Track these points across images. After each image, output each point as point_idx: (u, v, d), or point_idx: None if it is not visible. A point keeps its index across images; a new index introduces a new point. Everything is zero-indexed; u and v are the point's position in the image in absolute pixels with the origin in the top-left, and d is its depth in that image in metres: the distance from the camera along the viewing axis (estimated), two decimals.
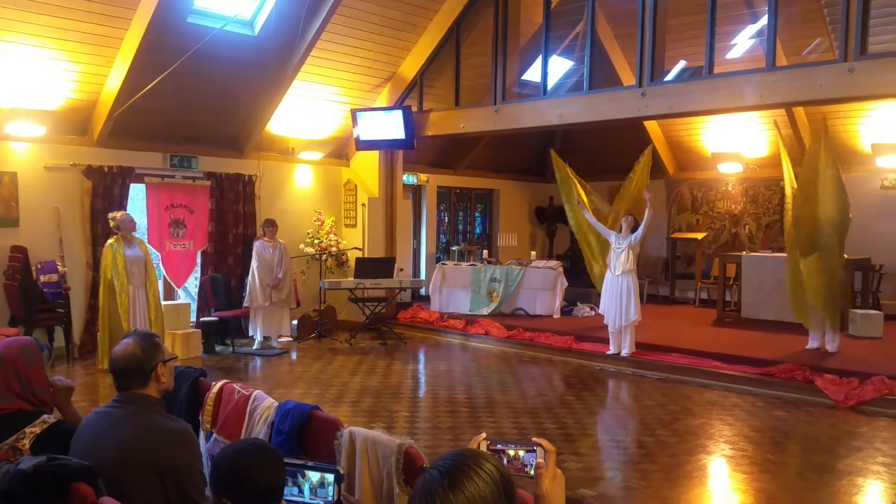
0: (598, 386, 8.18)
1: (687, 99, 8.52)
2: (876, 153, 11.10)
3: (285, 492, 2.30)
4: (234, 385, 3.91)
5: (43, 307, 8.32)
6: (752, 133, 12.42)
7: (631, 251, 8.73)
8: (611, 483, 5.14)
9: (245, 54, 9.30)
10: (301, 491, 2.37)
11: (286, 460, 2.34)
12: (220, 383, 4.03)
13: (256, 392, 3.76)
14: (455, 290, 11.91)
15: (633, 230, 8.79)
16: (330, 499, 2.36)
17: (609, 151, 13.99)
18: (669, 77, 10.62)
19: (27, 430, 2.75)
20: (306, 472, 2.38)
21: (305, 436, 3.33)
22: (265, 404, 3.62)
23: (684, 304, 13.16)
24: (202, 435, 4.10)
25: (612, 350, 9.02)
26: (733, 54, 11.56)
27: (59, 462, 2.30)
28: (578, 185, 10.44)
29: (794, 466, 5.66)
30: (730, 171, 12.88)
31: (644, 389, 7.92)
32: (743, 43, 11.50)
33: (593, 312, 11.20)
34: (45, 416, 2.85)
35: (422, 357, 9.82)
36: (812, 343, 8.61)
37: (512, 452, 1.66)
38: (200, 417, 4.08)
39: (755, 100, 8.04)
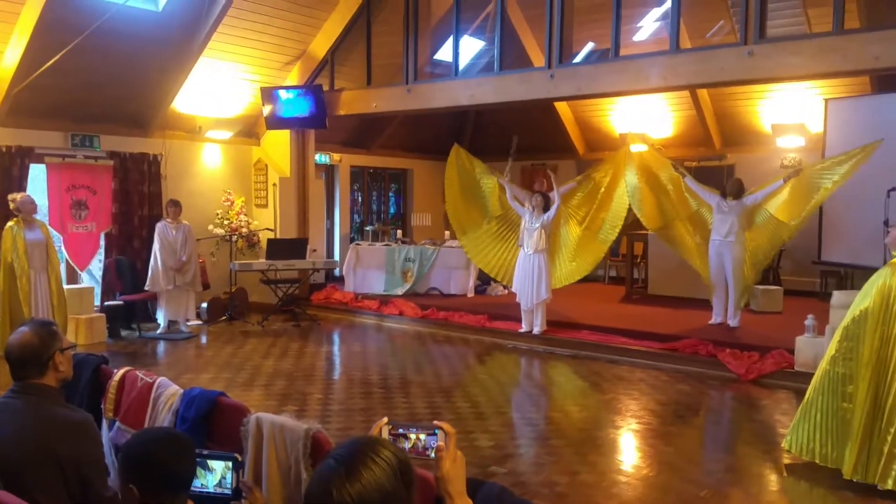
0: (511, 364, 8.32)
1: (594, 81, 8.67)
2: (776, 133, 11.51)
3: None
4: (137, 372, 3.79)
5: None
6: (658, 114, 12.76)
7: (544, 230, 8.84)
8: (521, 459, 5.24)
9: (149, 30, 8.95)
10: (205, 484, 2.33)
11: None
12: (122, 371, 3.90)
13: (160, 379, 3.65)
14: (369, 270, 11.85)
15: (546, 209, 8.91)
16: (229, 487, 2.32)
17: (521, 131, 14.08)
18: (578, 59, 10.79)
19: None
20: (209, 463, 2.33)
21: (211, 423, 3.26)
22: (169, 391, 3.52)
23: (594, 282, 13.46)
24: (105, 424, 3.98)
25: (524, 328, 9.16)
26: (640, 36, 11.82)
27: None
28: (493, 188, 10.23)
29: (697, 439, 5.90)
30: (637, 151, 13.18)
31: (554, 366, 8.10)
32: (649, 25, 11.77)
33: (507, 291, 11.32)
34: None
35: (336, 338, 9.76)
36: (715, 318, 8.95)
37: (413, 436, 1.68)
38: (103, 406, 3.95)
39: (659, 82, 8.25)
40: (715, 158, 12.72)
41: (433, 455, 1.66)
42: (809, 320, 7.22)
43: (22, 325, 2.77)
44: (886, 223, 8.85)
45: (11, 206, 7.78)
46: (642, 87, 8.57)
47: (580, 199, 9.95)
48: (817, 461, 4.81)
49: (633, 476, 4.94)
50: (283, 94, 10.82)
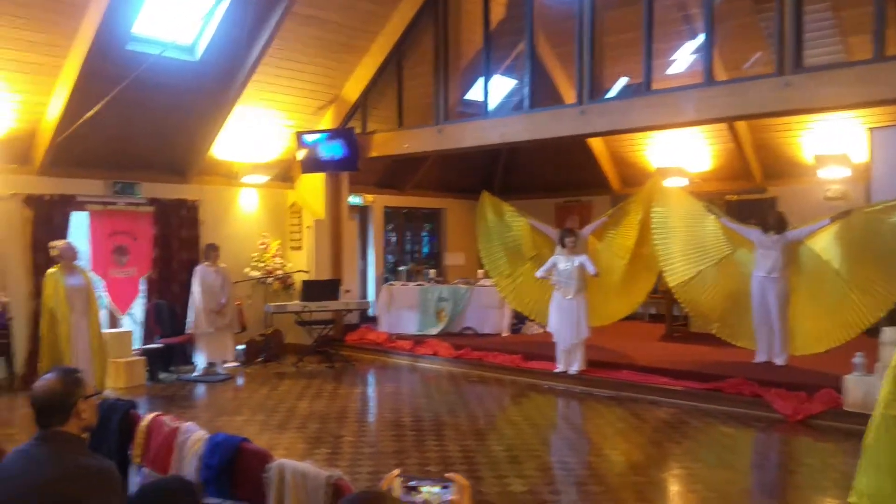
0: (547, 405, 8.15)
1: (626, 116, 8.60)
2: (818, 164, 11.11)
3: None
4: (164, 418, 3.78)
5: None
6: (695, 147, 12.60)
7: (578, 272, 8.67)
8: None
9: (186, 80, 9.20)
10: None
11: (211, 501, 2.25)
12: (150, 416, 3.90)
13: (186, 424, 3.63)
14: (403, 310, 11.80)
15: (576, 245, 8.80)
16: None
17: (554, 168, 14.10)
18: (611, 94, 10.72)
19: None
20: None
21: (235, 470, 3.21)
22: (194, 437, 3.49)
23: (634, 320, 13.19)
24: (132, 469, 3.96)
25: (560, 368, 8.94)
26: (676, 69, 11.71)
27: None
28: (524, 230, 10.22)
29: (743, 485, 5.64)
30: (674, 185, 13.02)
31: (592, 407, 7.90)
32: (684, 58, 11.66)
33: (542, 330, 11.15)
34: None
35: (370, 379, 9.69)
36: (760, 356, 8.59)
37: (426, 490, 1.60)
38: (130, 452, 3.94)
39: (693, 115, 8.14)
40: (756, 191, 12.46)
41: None
42: (858, 358, 6.93)
43: (48, 372, 2.77)
44: None
45: (53, 252, 7.92)
46: (676, 121, 8.47)
47: (616, 233, 9.79)
48: None
49: None
50: (316, 137, 10.94)
